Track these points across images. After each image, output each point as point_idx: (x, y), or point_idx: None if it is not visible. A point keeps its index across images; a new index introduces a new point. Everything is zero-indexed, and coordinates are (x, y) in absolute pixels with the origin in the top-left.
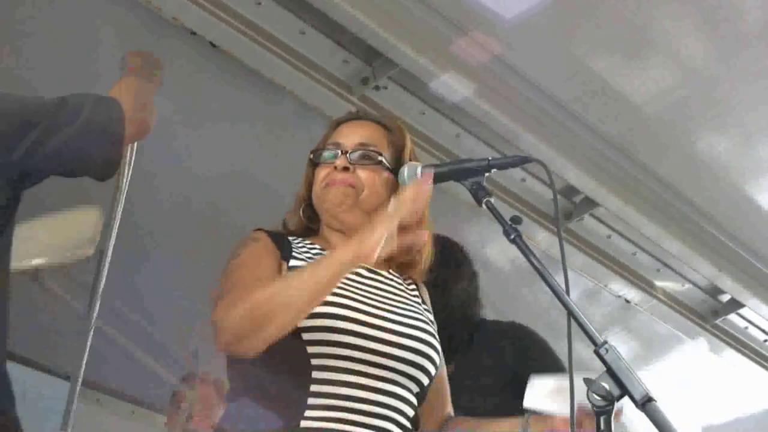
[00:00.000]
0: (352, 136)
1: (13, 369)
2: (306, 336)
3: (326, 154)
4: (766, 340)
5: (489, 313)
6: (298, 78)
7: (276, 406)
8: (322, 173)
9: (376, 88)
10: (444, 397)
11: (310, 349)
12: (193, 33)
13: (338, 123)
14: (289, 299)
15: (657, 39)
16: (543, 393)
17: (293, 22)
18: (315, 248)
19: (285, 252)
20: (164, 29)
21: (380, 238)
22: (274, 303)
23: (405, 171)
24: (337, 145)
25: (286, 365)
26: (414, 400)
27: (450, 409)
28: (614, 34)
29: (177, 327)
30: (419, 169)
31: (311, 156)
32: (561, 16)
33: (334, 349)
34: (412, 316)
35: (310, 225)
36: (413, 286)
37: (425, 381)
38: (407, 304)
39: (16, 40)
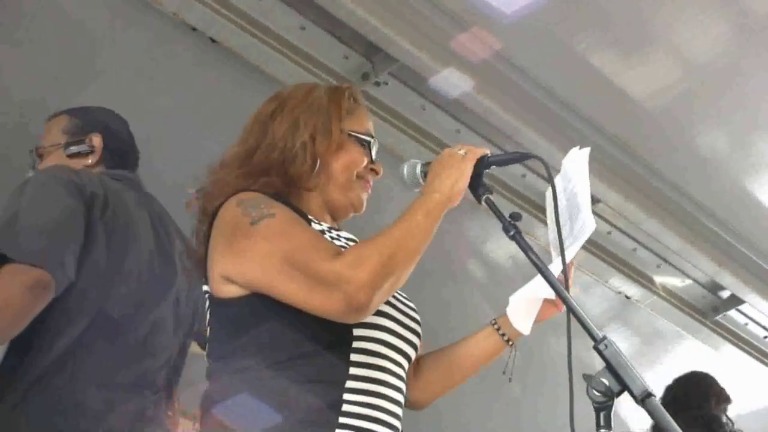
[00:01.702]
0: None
1: None
2: None
3: (375, 149)
4: (766, 337)
5: (488, 309)
6: (298, 74)
7: (310, 390)
8: (363, 160)
9: (377, 83)
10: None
11: (356, 332)
12: (194, 29)
13: (356, 99)
14: (415, 245)
15: (657, 34)
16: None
17: (293, 17)
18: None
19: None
20: (164, 25)
21: (457, 182)
22: (405, 251)
23: (405, 169)
24: (374, 144)
25: (326, 347)
26: None
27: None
28: (614, 29)
29: None
30: (419, 168)
31: (366, 137)
32: (561, 11)
33: (374, 332)
34: (407, 297)
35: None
36: None
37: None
38: None
39: (13, 34)
